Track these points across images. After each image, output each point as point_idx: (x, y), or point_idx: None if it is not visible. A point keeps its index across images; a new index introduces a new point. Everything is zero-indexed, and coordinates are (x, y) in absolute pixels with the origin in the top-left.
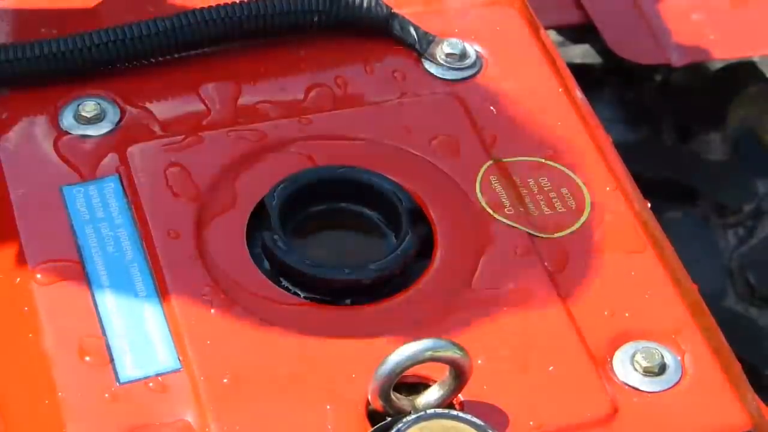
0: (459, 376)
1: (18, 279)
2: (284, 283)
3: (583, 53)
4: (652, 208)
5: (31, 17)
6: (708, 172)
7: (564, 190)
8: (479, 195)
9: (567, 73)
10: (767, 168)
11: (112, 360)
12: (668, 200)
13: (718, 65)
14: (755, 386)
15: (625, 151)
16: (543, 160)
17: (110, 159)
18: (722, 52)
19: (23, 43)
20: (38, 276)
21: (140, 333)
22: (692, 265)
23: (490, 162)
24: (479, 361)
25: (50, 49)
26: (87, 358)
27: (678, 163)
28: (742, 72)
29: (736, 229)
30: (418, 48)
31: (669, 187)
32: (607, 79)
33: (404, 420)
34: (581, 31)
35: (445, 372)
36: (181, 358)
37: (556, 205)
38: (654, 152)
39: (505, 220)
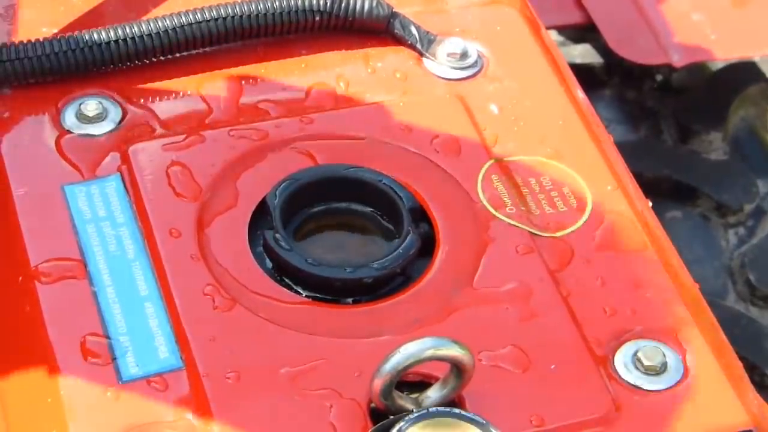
0: (461, 374)
1: (20, 278)
2: (286, 281)
3: (583, 53)
4: (652, 207)
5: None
6: (708, 171)
7: (565, 189)
8: (481, 194)
9: (568, 73)
10: (767, 167)
11: (114, 358)
12: (669, 200)
13: (719, 65)
14: (756, 385)
15: (626, 150)
16: (544, 159)
17: (112, 158)
18: (723, 52)
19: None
20: (40, 275)
21: (142, 331)
22: (693, 264)
23: (492, 161)
24: (481, 360)
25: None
26: (89, 357)
27: (678, 163)
28: (742, 72)
29: (737, 228)
30: (420, 47)
31: (669, 187)
32: (608, 78)
33: (406, 418)
34: (582, 31)
35: (447, 370)
36: (183, 356)
37: (557, 204)
38: (654, 152)
39: (506, 219)
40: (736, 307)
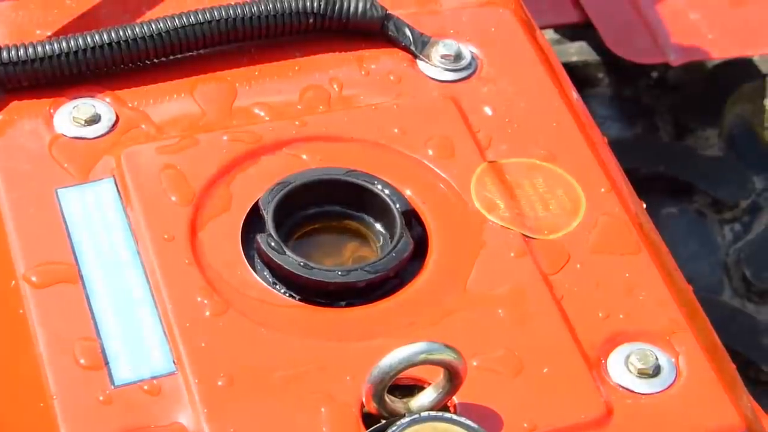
0: (453, 378)
1: (13, 282)
2: (279, 285)
3: (579, 50)
4: (648, 204)
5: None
6: (704, 168)
7: (559, 192)
8: (474, 196)
9: (562, 74)
10: (763, 164)
11: (106, 363)
12: (665, 196)
13: (715, 62)
14: (752, 381)
15: (622, 147)
16: (538, 162)
17: (105, 161)
18: (720, 51)
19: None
20: (33, 278)
21: (135, 336)
22: (688, 260)
23: (485, 163)
24: (474, 364)
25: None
26: (81, 361)
27: (674, 159)
28: (738, 68)
29: (732, 224)
30: (414, 49)
31: (665, 183)
32: (604, 76)
33: (398, 422)
34: (578, 29)
35: (440, 374)
36: (175, 360)
37: (550, 206)
38: (650, 148)
39: (499, 222)
40: (732, 302)
